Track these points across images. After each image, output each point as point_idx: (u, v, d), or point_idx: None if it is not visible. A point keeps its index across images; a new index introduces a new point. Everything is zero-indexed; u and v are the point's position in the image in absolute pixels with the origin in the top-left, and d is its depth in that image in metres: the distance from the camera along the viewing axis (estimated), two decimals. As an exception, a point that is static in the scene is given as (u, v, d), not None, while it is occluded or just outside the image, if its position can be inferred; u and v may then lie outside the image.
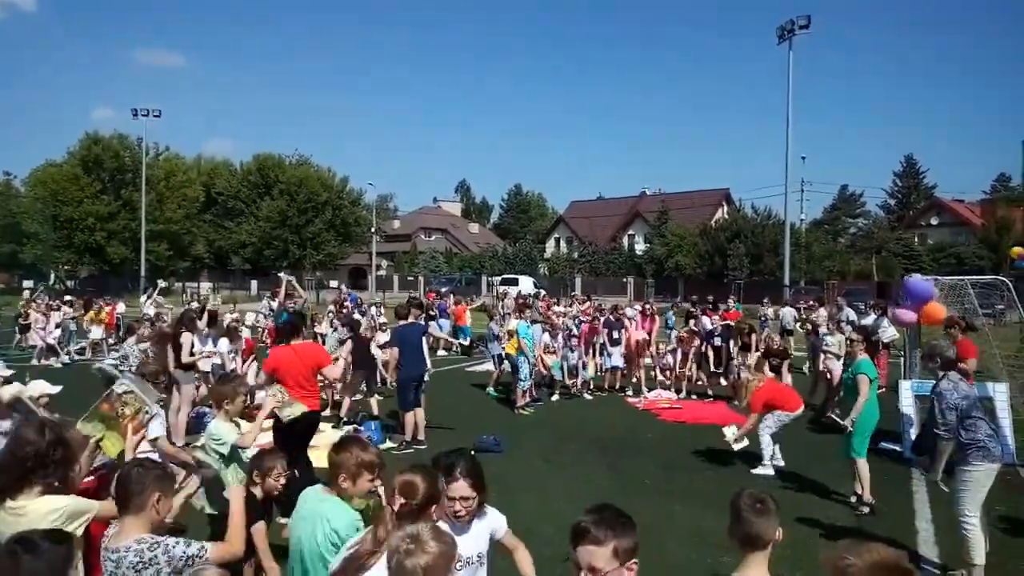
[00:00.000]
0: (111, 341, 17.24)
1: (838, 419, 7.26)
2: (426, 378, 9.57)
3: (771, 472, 8.01)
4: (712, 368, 12.93)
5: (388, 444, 8.97)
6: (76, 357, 17.24)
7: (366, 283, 52.43)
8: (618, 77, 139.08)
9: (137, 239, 44.78)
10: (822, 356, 11.50)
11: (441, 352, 18.54)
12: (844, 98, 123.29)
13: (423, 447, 8.75)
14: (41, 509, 3.05)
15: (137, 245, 44.82)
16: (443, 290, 30.66)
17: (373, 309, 17.75)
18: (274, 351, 6.69)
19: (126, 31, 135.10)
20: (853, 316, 14.31)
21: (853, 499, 6.91)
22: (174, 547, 2.68)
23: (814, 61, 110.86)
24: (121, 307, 20.25)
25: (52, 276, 48.77)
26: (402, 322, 9.41)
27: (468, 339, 19.71)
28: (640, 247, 55.88)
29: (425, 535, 2.14)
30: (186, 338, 9.39)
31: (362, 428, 9.25)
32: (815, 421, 10.33)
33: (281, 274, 14.33)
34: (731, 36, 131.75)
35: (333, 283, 50.16)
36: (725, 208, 57.76)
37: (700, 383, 13.14)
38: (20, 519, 2.97)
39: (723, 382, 12.78)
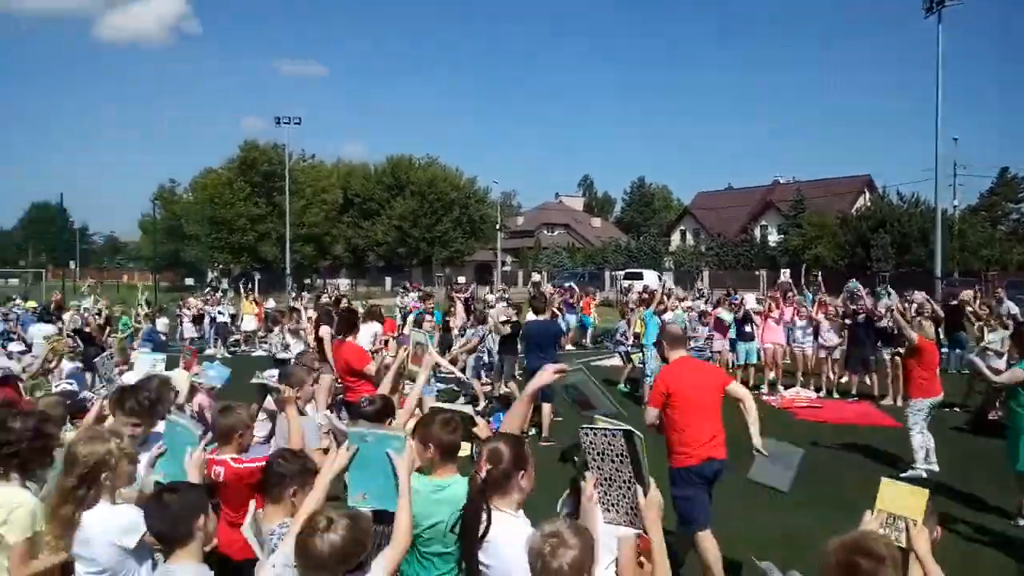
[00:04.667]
0: (261, 334, 18.67)
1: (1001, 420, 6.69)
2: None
3: (922, 476, 7.47)
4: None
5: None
6: (233, 349, 18.82)
7: (492, 278, 53.41)
8: (746, 58, 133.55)
9: (284, 240, 48.12)
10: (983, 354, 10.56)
11: (569, 347, 18.64)
12: (1003, 72, 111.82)
13: (549, 443, 8.78)
14: (3, 496, 3.05)
15: (284, 245, 48.14)
16: (566, 285, 30.73)
17: (494, 298, 18.29)
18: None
19: (272, 45, 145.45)
20: (1015, 310, 13.05)
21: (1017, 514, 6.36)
22: None
23: (967, 33, 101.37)
24: (271, 303, 21.82)
25: (209, 274, 53.40)
26: (535, 317, 9.60)
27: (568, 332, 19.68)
28: (773, 238, 53.42)
29: (565, 532, 2.14)
30: (324, 331, 10.04)
31: (492, 420, 9.47)
32: (972, 424, 9.56)
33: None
34: (871, 9, 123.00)
35: (461, 279, 51.55)
36: (867, 195, 54.11)
37: (843, 381, 12.42)
38: None
39: (868, 380, 12.01)
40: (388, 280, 52.14)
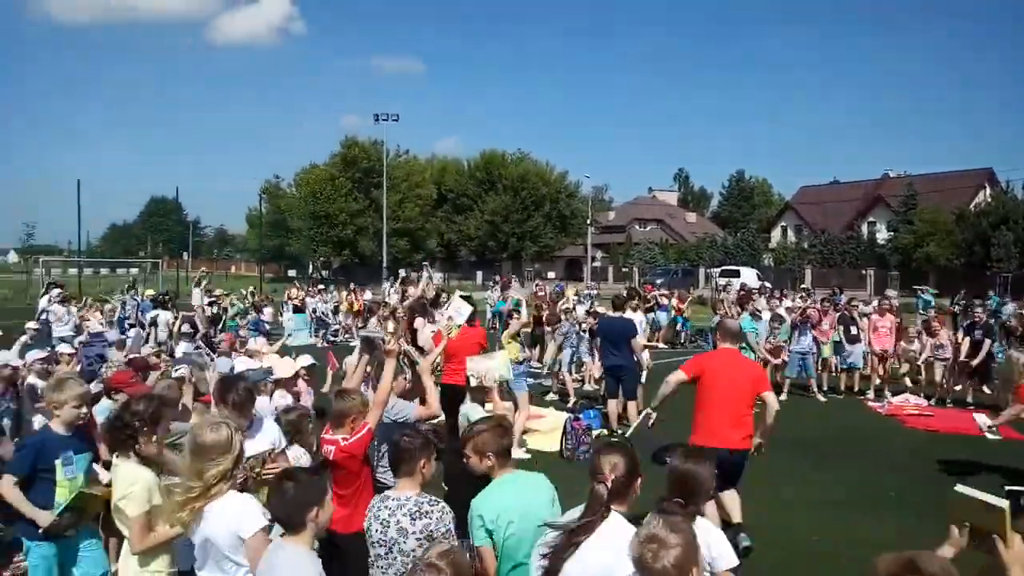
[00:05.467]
0: (359, 325, 19.32)
1: None
2: (644, 368, 9.58)
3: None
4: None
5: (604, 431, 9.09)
6: (331, 338, 19.59)
7: (582, 274, 53.19)
8: (852, 44, 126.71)
9: (381, 234, 49.56)
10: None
11: (661, 345, 18.29)
12: None
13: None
14: (123, 472, 3.33)
15: (381, 239, 49.56)
16: (658, 282, 30.30)
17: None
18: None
19: (370, 43, 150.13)
20: None
21: None
22: None
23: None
24: (368, 295, 22.51)
25: (311, 266, 55.69)
26: (612, 313, 9.58)
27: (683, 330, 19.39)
28: (882, 236, 50.57)
29: (662, 532, 2.12)
30: (420, 323, 10.31)
31: (582, 416, 9.43)
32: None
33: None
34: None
35: (551, 274, 51.64)
36: (987, 190, 50.39)
37: (958, 388, 11.63)
38: (115, 475, 3.37)
39: (986, 389, 11.21)
40: (479, 274, 52.84)
